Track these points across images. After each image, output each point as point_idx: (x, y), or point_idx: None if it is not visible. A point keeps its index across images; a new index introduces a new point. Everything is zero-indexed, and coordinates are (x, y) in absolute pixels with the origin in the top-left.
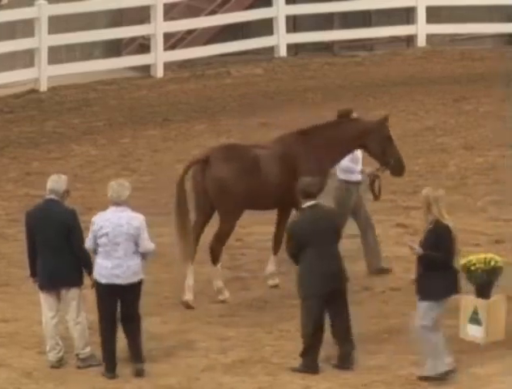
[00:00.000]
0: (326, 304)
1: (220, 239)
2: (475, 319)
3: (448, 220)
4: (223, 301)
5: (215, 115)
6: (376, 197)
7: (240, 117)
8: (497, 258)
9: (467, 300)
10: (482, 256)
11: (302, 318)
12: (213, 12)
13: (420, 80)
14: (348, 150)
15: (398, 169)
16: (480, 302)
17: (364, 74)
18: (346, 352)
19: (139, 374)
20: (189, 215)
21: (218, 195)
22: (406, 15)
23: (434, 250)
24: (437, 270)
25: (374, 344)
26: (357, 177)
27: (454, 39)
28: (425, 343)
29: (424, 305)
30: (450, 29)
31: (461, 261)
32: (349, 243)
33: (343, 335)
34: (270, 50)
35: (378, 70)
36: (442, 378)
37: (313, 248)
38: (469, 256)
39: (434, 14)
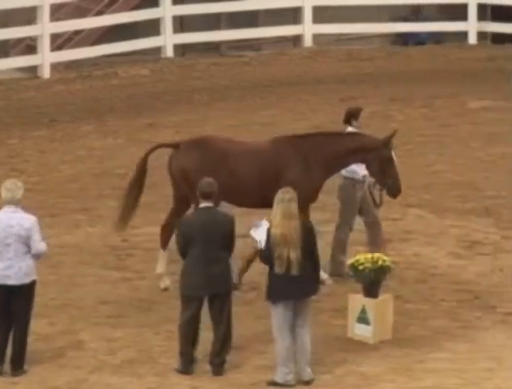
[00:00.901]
0: (209, 306)
1: (169, 226)
2: (363, 319)
3: (277, 225)
4: (164, 289)
5: (102, 116)
6: (375, 203)
7: (127, 118)
8: (385, 257)
9: (355, 299)
10: (370, 255)
11: (179, 317)
12: (100, 13)
13: (307, 80)
14: (347, 164)
15: (394, 191)
16: (368, 302)
17: (251, 74)
18: (220, 358)
19: (20, 374)
20: (138, 198)
21: (178, 183)
22: (293, 15)
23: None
24: (271, 272)
25: (262, 344)
26: (358, 175)
27: (340, 39)
28: (276, 345)
29: (270, 305)
30: (336, 29)
31: (349, 260)
32: (239, 242)
33: (220, 341)
34: (158, 51)
35: (265, 70)
36: (288, 385)
37: (198, 249)
38: (357, 255)
39: (321, 15)
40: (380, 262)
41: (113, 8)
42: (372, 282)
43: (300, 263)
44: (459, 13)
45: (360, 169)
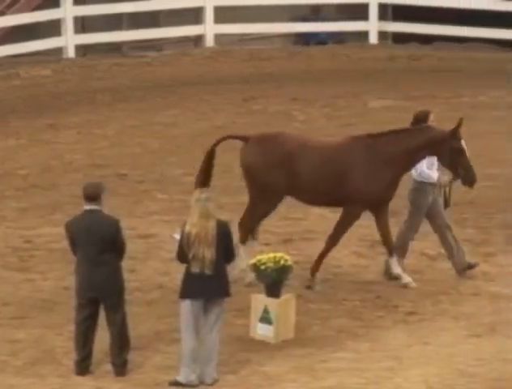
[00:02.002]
0: (103, 307)
1: (245, 222)
2: (265, 318)
3: (194, 224)
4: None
5: (4, 116)
6: (446, 204)
7: (29, 119)
8: (287, 257)
9: (258, 299)
10: (272, 255)
11: (74, 318)
12: (1, 13)
13: (209, 80)
14: (419, 159)
15: (468, 180)
16: (270, 301)
17: (153, 74)
18: (121, 358)
19: None
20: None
21: (245, 178)
22: (194, 15)
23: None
24: (186, 270)
25: (165, 344)
26: (433, 179)
27: (242, 39)
28: (182, 345)
29: (181, 304)
30: (237, 29)
31: (251, 260)
32: (140, 243)
33: (116, 342)
34: (59, 51)
35: (167, 70)
36: (191, 385)
37: (83, 251)
38: (259, 255)
39: (223, 15)
40: (282, 262)
41: (14, 9)
42: (274, 282)
43: (214, 263)
44: (360, 12)
45: (434, 173)
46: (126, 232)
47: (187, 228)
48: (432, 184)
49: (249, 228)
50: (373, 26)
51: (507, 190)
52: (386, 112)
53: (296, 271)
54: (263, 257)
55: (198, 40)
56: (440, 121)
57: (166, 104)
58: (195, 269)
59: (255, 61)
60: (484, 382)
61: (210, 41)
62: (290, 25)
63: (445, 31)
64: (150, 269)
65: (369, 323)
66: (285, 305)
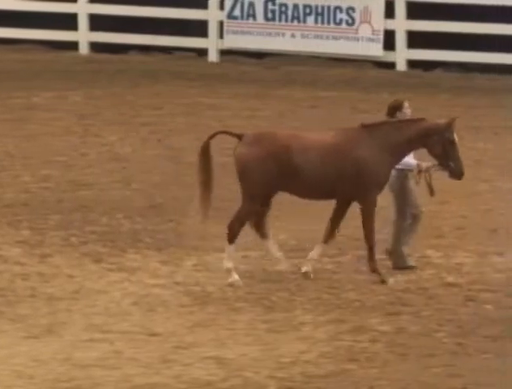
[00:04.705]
0: None
1: (237, 219)
2: None
3: None
4: (231, 285)
5: None
6: (432, 192)
7: None
8: None
9: None
10: None
11: None
12: None
13: None
14: (411, 150)
15: (457, 173)
16: None
17: None
18: None
19: None
20: (210, 183)
21: (239, 176)
22: None
23: None
24: None
25: None
26: (411, 165)
27: None
28: None
29: None
30: None
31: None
32: None
33: None
34: None
35: None
36: None
37: None
38: None
39: None
40: None
41: None
42: None
43: None
44: None
45: (413, 160)
46: None
47: None
48: (410, 171)
49: (239, 228)
50: None
51: (60, 191)
52: None
53: None
54: None
55: None
56: None
57: None
58: None
59: None
60: (43, 383)
61: None
62: None
63: None
64: None
65: None
66: None
